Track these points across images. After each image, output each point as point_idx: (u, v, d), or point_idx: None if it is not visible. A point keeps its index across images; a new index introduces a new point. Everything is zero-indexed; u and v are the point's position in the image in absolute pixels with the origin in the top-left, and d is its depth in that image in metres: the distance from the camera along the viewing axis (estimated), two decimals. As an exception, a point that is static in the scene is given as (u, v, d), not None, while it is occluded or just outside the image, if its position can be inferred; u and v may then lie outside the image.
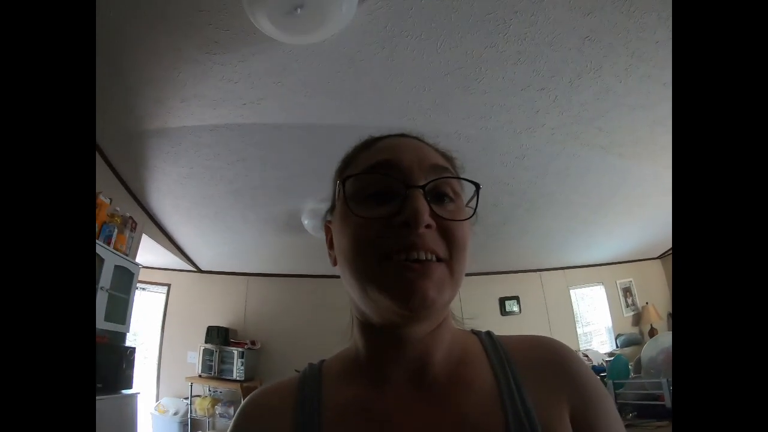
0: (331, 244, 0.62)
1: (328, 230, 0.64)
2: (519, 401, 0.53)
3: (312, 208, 3.88)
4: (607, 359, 4.86)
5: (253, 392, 0.62)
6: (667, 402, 2.33)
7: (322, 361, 0.65)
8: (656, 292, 6.10)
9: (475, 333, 0.65)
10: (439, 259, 0.51)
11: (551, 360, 0.58)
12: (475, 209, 0.57)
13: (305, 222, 4.04)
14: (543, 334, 0.64)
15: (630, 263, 6.37)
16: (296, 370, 0.66)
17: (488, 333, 0.64)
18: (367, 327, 0.58)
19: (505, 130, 2.90)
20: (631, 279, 6.32)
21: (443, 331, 0.58)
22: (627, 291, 6.30)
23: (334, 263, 0.60)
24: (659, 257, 6.37)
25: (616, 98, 2.61)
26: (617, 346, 5.86)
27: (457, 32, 2.06)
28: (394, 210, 0.51)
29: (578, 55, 2.23)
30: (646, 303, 6.06)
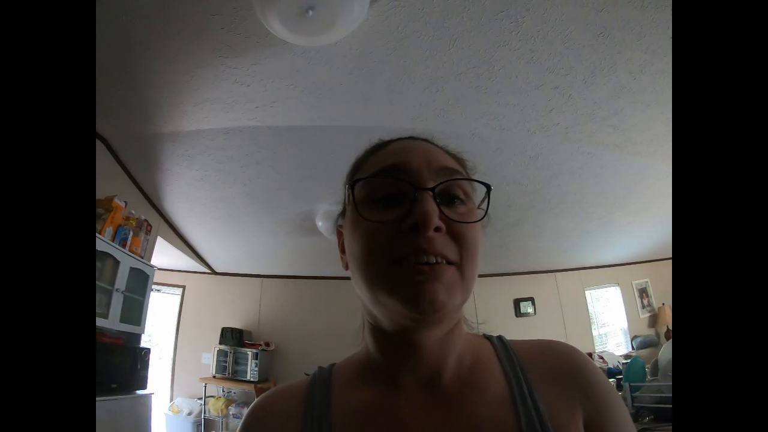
0: (343, 249, 0.62)
1: (339, 235, 0.63)
2: (532, 407, 0.52)
3: (326, 210, 3.90)
4: (623, 361, 4.79)
5: (261, 396, 0.62)
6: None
7: (333, 365, 0.64)
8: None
9: (487, 338, 0.64)
10: (449, 262, 0.51)
11: (564, 365, 0.57)
12: (486, 211, 0.56)
13: (319, 224, 4.06)
14: (556, 338, 0.63)
15: (646, 263, 6.28)
16: (306, 374, 0.65)
17: (500, 338, 0.64)
18: (378, 331, 0.58)
19: (519, 130, 2.88)
20: (647, 280, 6.23)
21: (455, 336, 0.58)
22: (643, 292, 6.21)
23: (346, 268, 0.59)
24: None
25: (630, 95, 2.57)
26: (633, 348, 5.78)
27: (469, 32, 2.04)
28: (403, 213, 0.51)
29: (591, 52, 2.20)
30: (663, 304, 5.97)
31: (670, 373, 2.63)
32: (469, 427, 0.51)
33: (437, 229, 0.50)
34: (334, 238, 0.68)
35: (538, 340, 0.62)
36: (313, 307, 5.85)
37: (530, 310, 6.15)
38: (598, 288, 6.29)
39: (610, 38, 2.11)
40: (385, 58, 2.20)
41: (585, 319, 6.08)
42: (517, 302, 6.17)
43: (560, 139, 3.00)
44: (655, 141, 3.10)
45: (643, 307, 6.15)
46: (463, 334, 0.60)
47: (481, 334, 0.65)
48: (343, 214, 0.62)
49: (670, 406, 2.46)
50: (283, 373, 5.44)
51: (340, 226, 0.63)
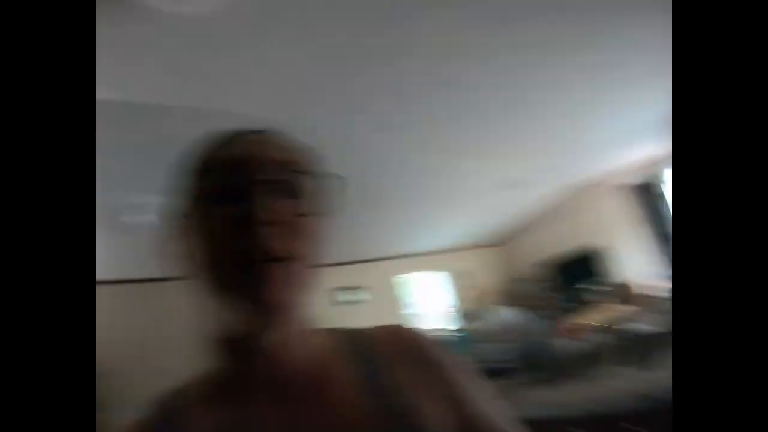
0: (179, 251, 0.56)
1: (177, 235, 0.58)
2: (386, 391, 0.53)
3: (137, 201, 3.40)
4: (451, 336, 5.21)
5: None
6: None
7: (173, 391, 0.58)
8: (492, 278, 6.84)
9: (332, 331, 0.64)
10: (288, 257, 0.49)
11: (411, 346, 0.60)
12: (328, 203, 0.57)
13: (128, 218, 3.54)
14: (392, 323, 0.66)
15: (467, 251, 6.98)
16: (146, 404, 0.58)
17: (343, 329, 0.64)
18: (219, 340, 0.54)
19: (360, 124, 2.98)
20: (468, 264, 6.88)
21: (300, 334, 0.56)
22: (464, 276, 6.81)
23: (183, 270, 0.55)
24: (494, 246, 7.14)
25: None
26: (457, 328, 6.28)
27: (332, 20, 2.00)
28: (241, 209, 0.48)
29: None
30: (482, 288, 6.68)
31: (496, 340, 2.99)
32: (325, 425, 0.50)
33: (275, 223, 0.48)
34: (143, 234, 0.63)
35: (380, 325, 0.65)
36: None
37: (358, 297, 6.24)
38: (419, 272, 6.71)
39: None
40: (240, 37, 1.99)
41: (402, 305, 6.40)
42: (342, 291, 6.17)
43: (396, 138, 3.22)
44: (463, 140, 3.51)
45: (465, 290, 6.74)
46: (307, 330, 0.59)
47: (324, 327, 0.65)
48: (179, 212, 0.57)
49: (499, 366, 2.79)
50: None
51: (177, 226, 0.57)
